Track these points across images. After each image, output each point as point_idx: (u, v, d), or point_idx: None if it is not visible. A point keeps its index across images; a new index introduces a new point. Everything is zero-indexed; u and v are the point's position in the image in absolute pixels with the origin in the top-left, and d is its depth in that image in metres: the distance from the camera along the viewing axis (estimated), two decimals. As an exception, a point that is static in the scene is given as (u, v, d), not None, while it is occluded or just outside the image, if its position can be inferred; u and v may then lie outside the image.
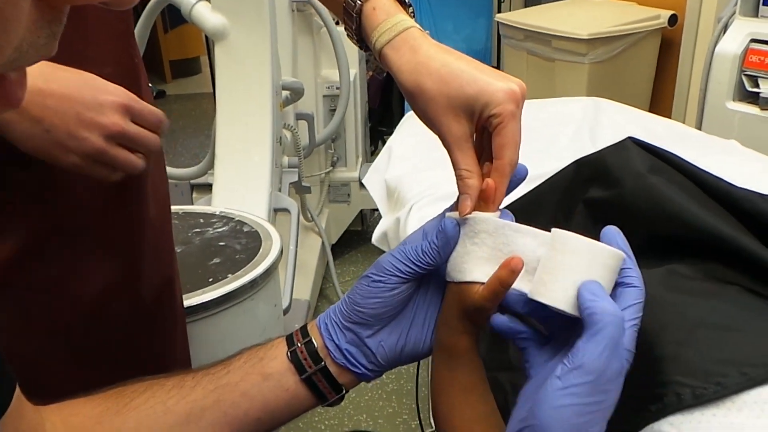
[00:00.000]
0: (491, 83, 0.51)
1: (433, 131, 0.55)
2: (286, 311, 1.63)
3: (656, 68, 2.50)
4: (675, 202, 0.70)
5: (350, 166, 2.57)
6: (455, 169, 0.54)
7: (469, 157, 0.53)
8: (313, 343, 0.54)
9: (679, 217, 0.69)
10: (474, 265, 0.51)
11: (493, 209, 0.52)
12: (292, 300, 1.70)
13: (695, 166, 0.76)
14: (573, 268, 0.46)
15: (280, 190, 1.91)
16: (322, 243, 2.41)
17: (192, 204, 2.15)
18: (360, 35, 0.58)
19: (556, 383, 0.42)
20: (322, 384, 0.54)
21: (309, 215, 2.35)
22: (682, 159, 0.77)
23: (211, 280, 1.02)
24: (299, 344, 0.54)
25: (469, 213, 0.52)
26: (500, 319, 0.50)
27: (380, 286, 0.52)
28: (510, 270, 0.48)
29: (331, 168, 2.51)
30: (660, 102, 2.50)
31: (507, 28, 2.62)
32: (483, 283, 0.50)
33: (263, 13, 1.72)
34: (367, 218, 2.76)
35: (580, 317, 0.44)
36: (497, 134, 0.52)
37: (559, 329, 0.49)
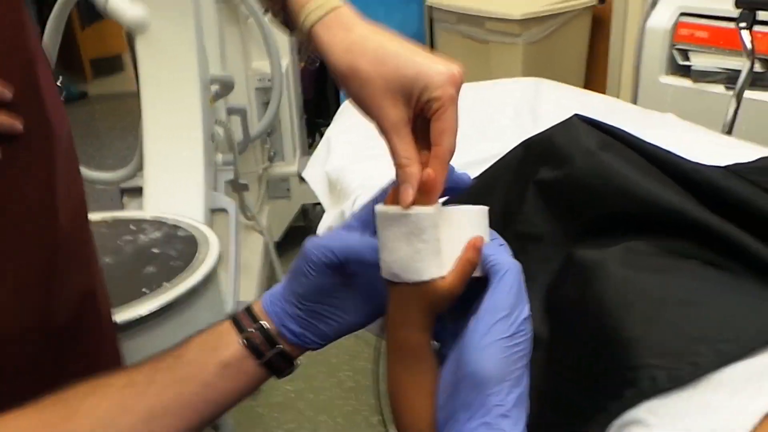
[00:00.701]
0: (430, 66, 0.49)
1: (368, 117, 0.51)
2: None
3: (589, 46, 2.53)
4: (627, 178, 0.68)
5: (288, 160, 2.50)
6: (394, 157, 0.50)
7: (409, 144, 0.50)
8: (265, 327, 0.54)
9: (632, 193, 0.67)
10: (429, 263, 0.49)
11: (434, 201, 0.50)
12: (238, 304, 1.64)
13: (643, 140, 0.75)
14: (464, 237, 0.50)
15: (215, 190, 1.83)
16: (265, 241, 2.34)
17: (123, 209, 2.05)
18: (285, 17, 0.54)
19: (475, 329, 0.45)
20: (278, 362, 0.55)
21: (248, 213, 2.27)
22: (630, 134, 0.76)
23: (145, 290, 0.95)
24: (252, 330, 0.53)
25: (412, 202, 0.49)
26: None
27: (313, 277, 0.52)
28: (476, 249, 0.49)
29: (269, 163, 2.44)
30: (594, 80, 2.53)
31: (439, 11, 2.60)
32: (442, 277, 0.49)
33: (186, 2, 1.63)
34: (310, 213, 2.69)
35: (484, 275, 0.49)
36: (437, 119, 0.49)
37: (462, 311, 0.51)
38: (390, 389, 0.52)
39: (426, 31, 3.03)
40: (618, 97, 2.04)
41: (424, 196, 0.49)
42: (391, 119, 0.49)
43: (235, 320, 0.54)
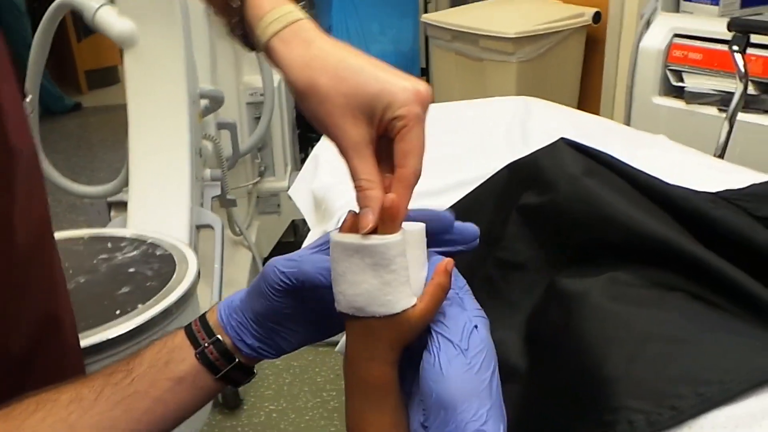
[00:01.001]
0: (395, 82, 0.46)
1: (328, 136, 0.48)
2: (213, 334, 1.53)
3: (583, 65, 2.52)
4: (612, 206, 0.66)
5: (279, 175, 2.47)
6: (354, 180, 0.47)
7: (370, 165, 0.47)
8: (221, 341, 0.51)
9: (617, 221, 0.65)
10: (399, 294, 0.46)
11: (397, 228, 0.46)
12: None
13: (630, 165, 0.73)
14: (422, 257, 0.48)
15: (202, 205, 1.80)
16: (253, 257, 2.31)
17: (109, 223, 2.02)
18: (243, 30, 0.51)
19: (426, 356, 0.44)
20: (235, 375, 0.52)
21: (237, 229, 2.24)
22: (617, 159, 0.73)
23: (118, 312, 0.92)
24: (207, 344, 0.51)
25: (371, 229, 0.46)
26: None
27: (271, 299, 0.50)
28: (447, 273, 0.47)
29: (259, 178, 2.41)
30: (588, 99, 2.52)
31: (434, 28, 2.59)
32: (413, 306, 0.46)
33: (175, 16, 1.61)
34: (300, 228, 2.67)
35: None
36: (401, 139, 0.46)
37: None
38: (351, 427, 0.49)
39: (421, 48, 3.03)
40: (612, 117, 2.03)
41: (386, 223, 0.46)
42: (351, 139, 0.46)
43: (189, 333, 0.52)
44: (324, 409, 1.84)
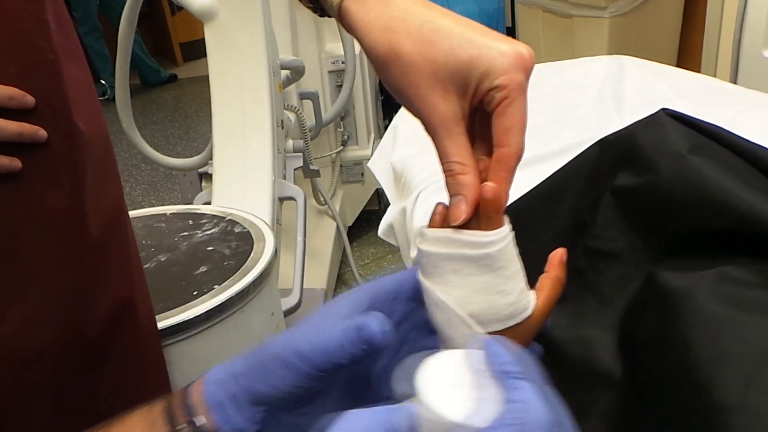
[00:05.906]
0: (492, 46, 0.38)
1: (411, 110, 0.42)
2: (296, 307, 1.54)
3: (683, 17, 2.32)
4: (725, 189, 0.57)
5: (362, 143, 2.45)
6: (443, 162, 0.41)
7: (462, 146, 0.40)
8: (200, 427, 0.39)
9: (730, 207, 0.56)
10: (520, 300, 0.41)
11: (500, 223, 0.39)
12: (305, 291, 1.61)
13: (747, 140, 0.63)
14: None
15: (285, 177, 1.80)
16: (337, 227, 2.30)
17: (200, 193, 2.06)
18: None
19: None
20: None
21: (321, 198, 2.24)
22: (731, 133, 0.64)
23: (195, 293, 0.92)
24: (183, 425, 0.39)
25: (464, 221, 0.39)
26: None
27: (299, 375, 0.38)
28: (563, 264, 0.43)
29: (342, 147, 2.39)
30: (688, 55, 2.33)
31: (520, -16, 2.46)
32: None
33: (254, -11, 1.59)
34: (384, 197, 2.63)
35: None
36: (501, 113, 0.38)
37: None
38: None
39: (506, 5, 2.89)
40: (715, 75, 1.85)
41: (488, 216, 0.39)
42: (441, 114, 0.40)
43: (167, 407, 0.40)
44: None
